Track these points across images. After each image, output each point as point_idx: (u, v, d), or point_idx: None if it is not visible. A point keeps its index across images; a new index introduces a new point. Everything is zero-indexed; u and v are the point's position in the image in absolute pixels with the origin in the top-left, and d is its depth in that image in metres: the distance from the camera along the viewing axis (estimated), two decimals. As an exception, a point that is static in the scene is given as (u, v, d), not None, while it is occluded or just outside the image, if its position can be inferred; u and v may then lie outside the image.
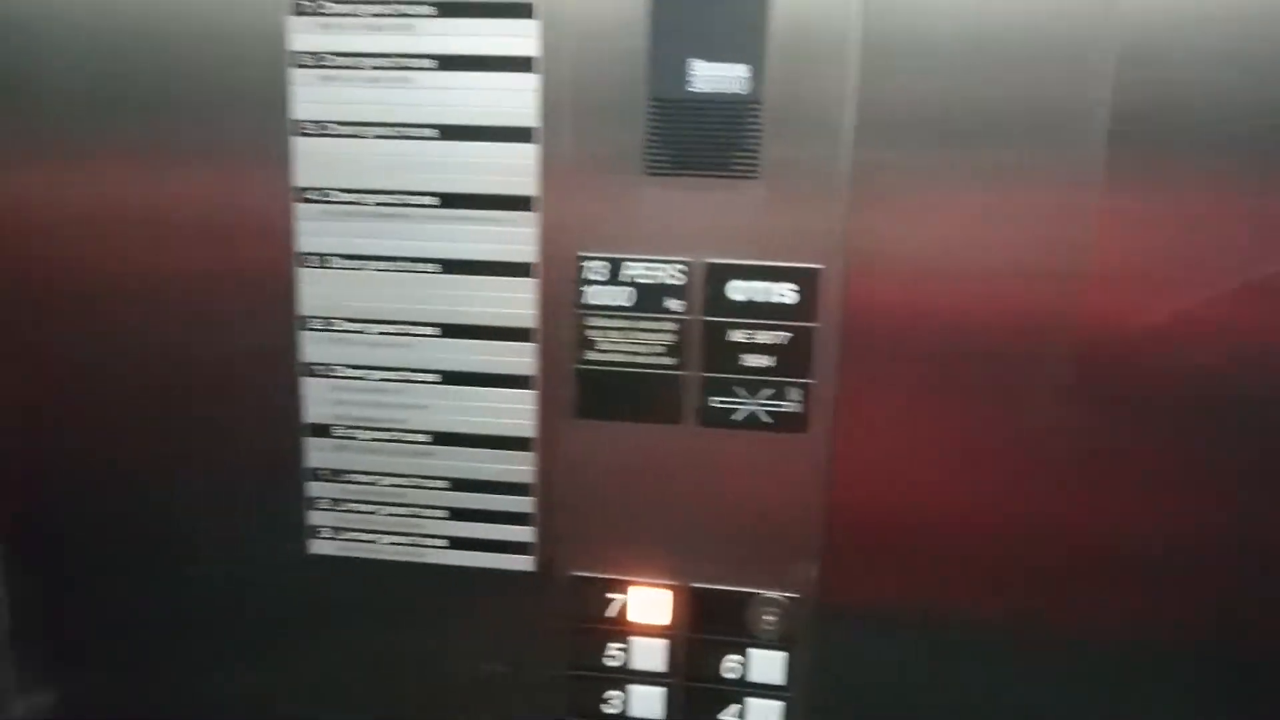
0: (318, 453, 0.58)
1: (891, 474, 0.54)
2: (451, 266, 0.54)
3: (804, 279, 0.51)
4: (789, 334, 0.51)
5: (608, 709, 0.58)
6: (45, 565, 0.63)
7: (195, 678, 0.63)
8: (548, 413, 0.55)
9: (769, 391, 0.52)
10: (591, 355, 0.53)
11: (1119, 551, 0.53)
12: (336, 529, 0.59)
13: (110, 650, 0.64)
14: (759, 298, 0.51)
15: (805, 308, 0.51)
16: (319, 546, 0.59)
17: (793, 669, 0.56)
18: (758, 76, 0.48)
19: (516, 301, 0.54)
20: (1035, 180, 0.49)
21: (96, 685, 0.65)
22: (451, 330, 0.54)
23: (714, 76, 0.49)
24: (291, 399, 0.57)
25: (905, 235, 0.50)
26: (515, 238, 0.53)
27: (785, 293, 0.51)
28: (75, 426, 0.60)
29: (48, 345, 0.59)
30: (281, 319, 0.56)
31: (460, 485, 0.57)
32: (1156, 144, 0.48)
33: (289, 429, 0.58)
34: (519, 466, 0.56)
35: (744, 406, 0.53)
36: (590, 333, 0.53)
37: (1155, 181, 0.48)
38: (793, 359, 0.52)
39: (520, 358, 0.54)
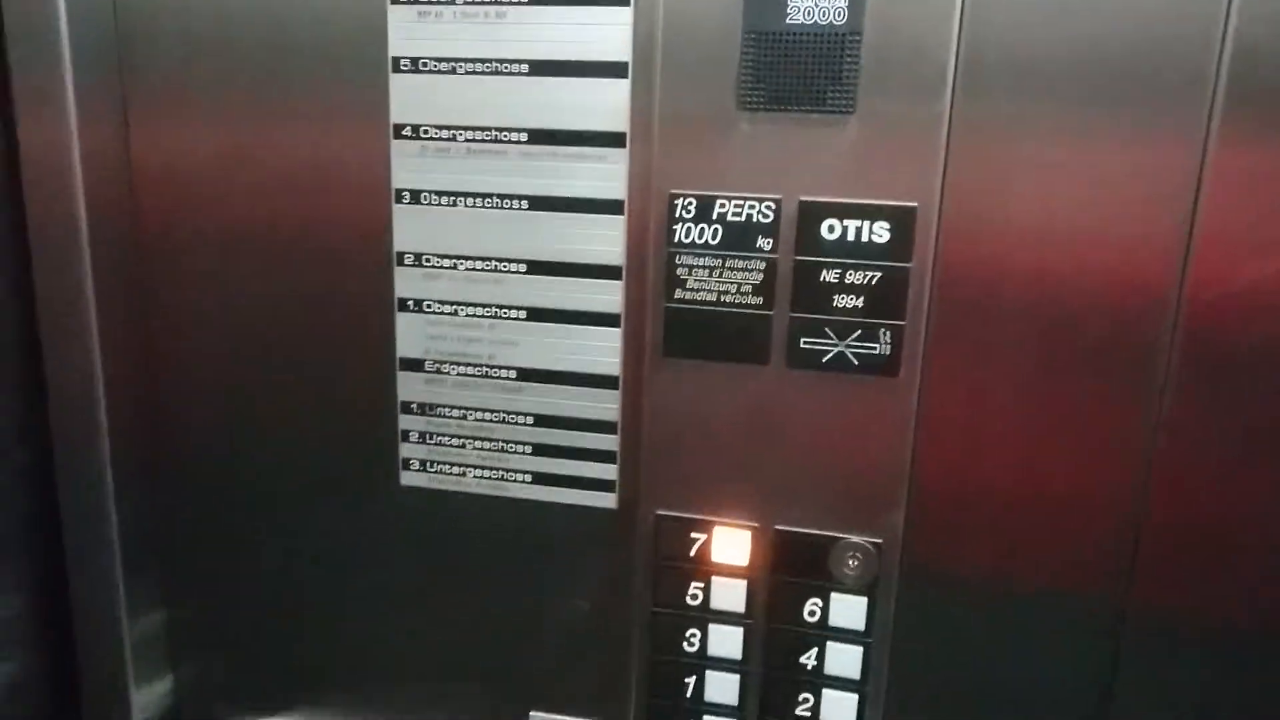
0: (408, 386, 0.59)
1: (980, 424, 0.53)
2: (540, 203, 0.54)
3: (897, 218, 0.50)
4: (880, 275, 0.50)
5: (688, 647, 0.58)
6: (155, 497, 0.66)
7: (294, 605, 0.66)
8: (635, 351, 0.55)
9: (858, 333, 0.51)
10: (680, 294, 0.53)
11: (1209, 525, 0.51)
12: (426, 462, 0.60)
13: (217, 579, 0.67)
14: (851, 237, 0.50)
15: (898, 248, 0.50)
16: (409, 479, 0.61)
17: (874, 615, 0.55)
18: (857, 7, 0.47)
19: (606, 239, 0.54)
20: (1145, 133, 0.47)
21: (202, 613, 0.68)
22: (539, 267, 0.55)
23: (812, 8, 0.48)
24: (386, 334, 0.58)
25: (1005, 179, 0.49)
26: (606, 174, 0.53)
27: (878, 232, 0.50)
28: (186, 363, 0.63)
29: (162, 287, 0.61)
30: (376, 255, 0.57)
31: (546, 421, 0.57)
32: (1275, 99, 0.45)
33: (383, 363, 0.59)
34: (604, 404, 0.56)
35: (832, 348, 0.52)
36: (679, 271, 0.53)
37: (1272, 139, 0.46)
38: (883, 301, 0.51)
39: (608, 295, 0.54)
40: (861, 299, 0.51)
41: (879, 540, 0.54)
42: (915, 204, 0.49)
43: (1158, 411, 0.50)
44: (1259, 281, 0.48)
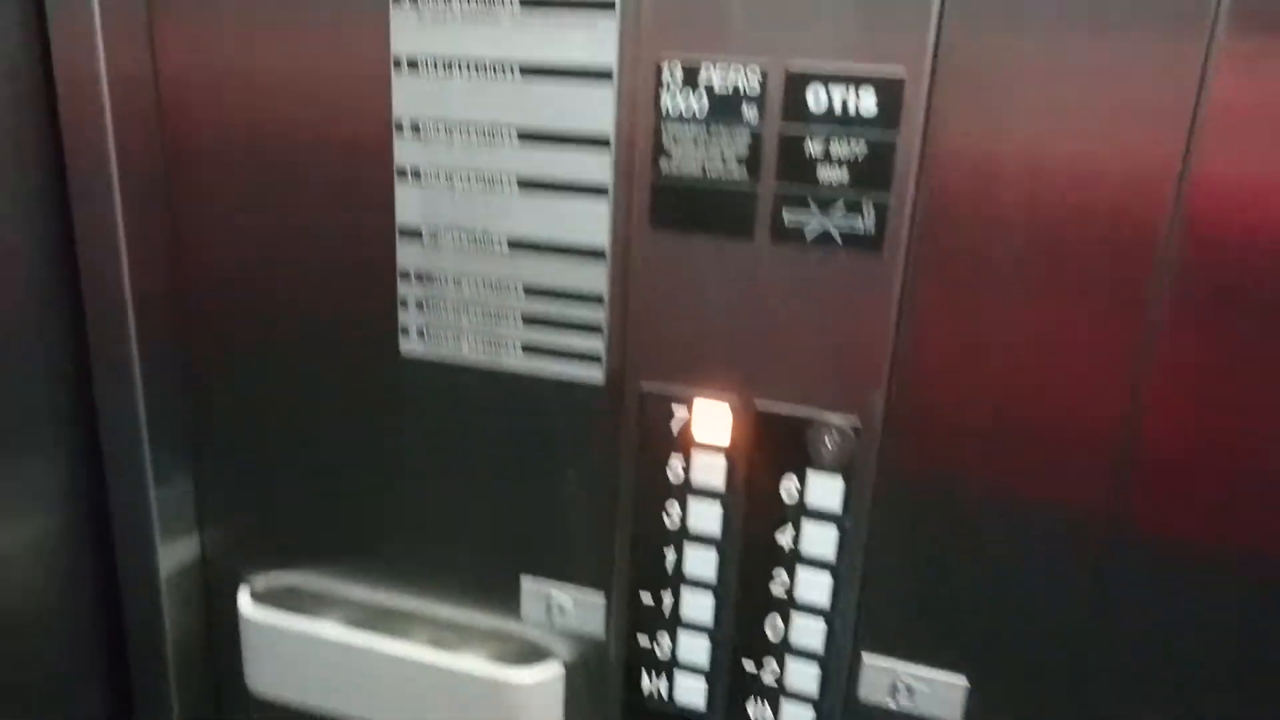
0: (407, 255, 0.60)
1: (967, 312, 0.52)
2: (531, 70, 0.54)
3: (884, 88, 0.48)
4: (865, 147, 0.49)
5: (668, 521, 0.59)
6: (179, 371, 0.69)
7: (307, 469, 0.69)
8: (623, 223, 0.55)
9: (842, 208, 0.51)
10: (667, 165, 0.53)
11: (1200, 442, 0.50)
12: (424, 330, 0.61)
13: (237, 446, 0.71)
14: (837, 106, 0.49)
15: (884, 119, 0.49)
16: (408, 347, 0.62)
17: (850, 497, 0.55)
18: None
19: (595, 108, 0.54)
20: (1152, 28, 0.45)
21: (225, 477, 0.72)
22: (531, 136, 0.55)
23: None
24: (386, 202, 0.60)
25: (1000, 56, 0.47)
26: (595, 40, 0.52)
27: (864, 101, 0.49)
28: (206, 239, 0.65)
29: (182, 169, 0.64)
30: (376, 123, 0.58)
31: (535, 292, 0.58)
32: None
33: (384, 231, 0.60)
34: (592, 276, 0.57)
35: (816, 222, 0.51)
36: (666, 141, 0.52)
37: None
38: (868, 174, 0.50)
39: (598, 166, 0.55)
40: (846, 172, 0.50)
41: (857, 422, 0.54)
42: (903, 73, 0.48)
43: (1155, 313, 0.49)
44: (1258, 198, 0.46)
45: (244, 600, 0.72)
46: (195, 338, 0.69)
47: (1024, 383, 0.52)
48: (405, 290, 0.61)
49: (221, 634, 0.75)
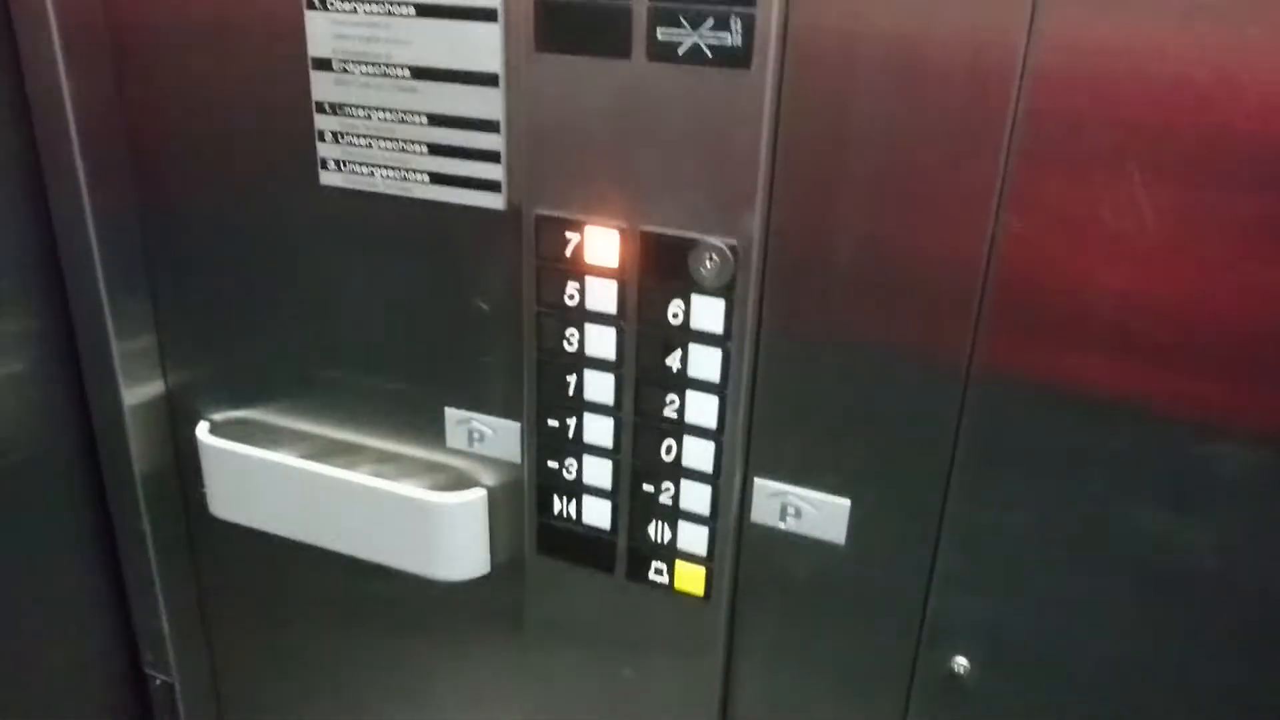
0: (321, 86, 0.62)
1: (836, 130, 0.52)
2: (420, -109, 0.55)
3: (745, -107, 0.48)
4: (729, -44, 0.49)
5: (568, 346, 0.61)
6: (130, 212, 0.73)
7: (249, 307, 0.73)
8: (514, 47, 0.57)
9: (710, 22, 0.51)
10: (549, -15, 0.54)
11: (1055, 285, 0.50)
12: (341, 161, 0.64)
13: (191, 290, 0.75)
14: (700, -84, 0.49)
15: (746, -74, 0.49)
16: (327, 178, 0.65)
17: (732, 318, 0.57)
18: None
19: (482, -70, 0.54)
20: None
21: (180, 319, 0.76)
22: (424, -40, 0.56)
23: None
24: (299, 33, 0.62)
25: None
26: None
27: (725, -91, 0.49)
28: (147, 81, 0.68)
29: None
30: (289, -46, 0.60)
31: (438, 121, 0.60)
32: None
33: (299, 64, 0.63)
34: (488, 102, 0.58)
35: (688, 39, 0.52)
36: (546, -40, 0.53)
37: None
38: (735, -14, 0.50)
39: (486, -11, 0.56)
40: (713, -16, 0.50)
41: (735, 242, 0.55)
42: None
43: (1006, 161, 0.49)
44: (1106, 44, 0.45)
45: (202, 431, 0.77)
46: (144, 188, 0.72)
47: (890, 206, 0.52)
48: (321, 122, 0.63)
49: (189, 467, 0.80)
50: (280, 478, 0.74)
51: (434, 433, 0.70)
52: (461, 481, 0.71)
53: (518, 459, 0.68)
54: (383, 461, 0.74)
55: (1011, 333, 0.52)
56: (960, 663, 0.60)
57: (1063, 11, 0.46)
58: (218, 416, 0.78)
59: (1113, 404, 0.52)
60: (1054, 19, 0.46)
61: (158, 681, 0.88)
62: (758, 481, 0.61)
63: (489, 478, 0.71)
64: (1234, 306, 0.48)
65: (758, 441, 0.60)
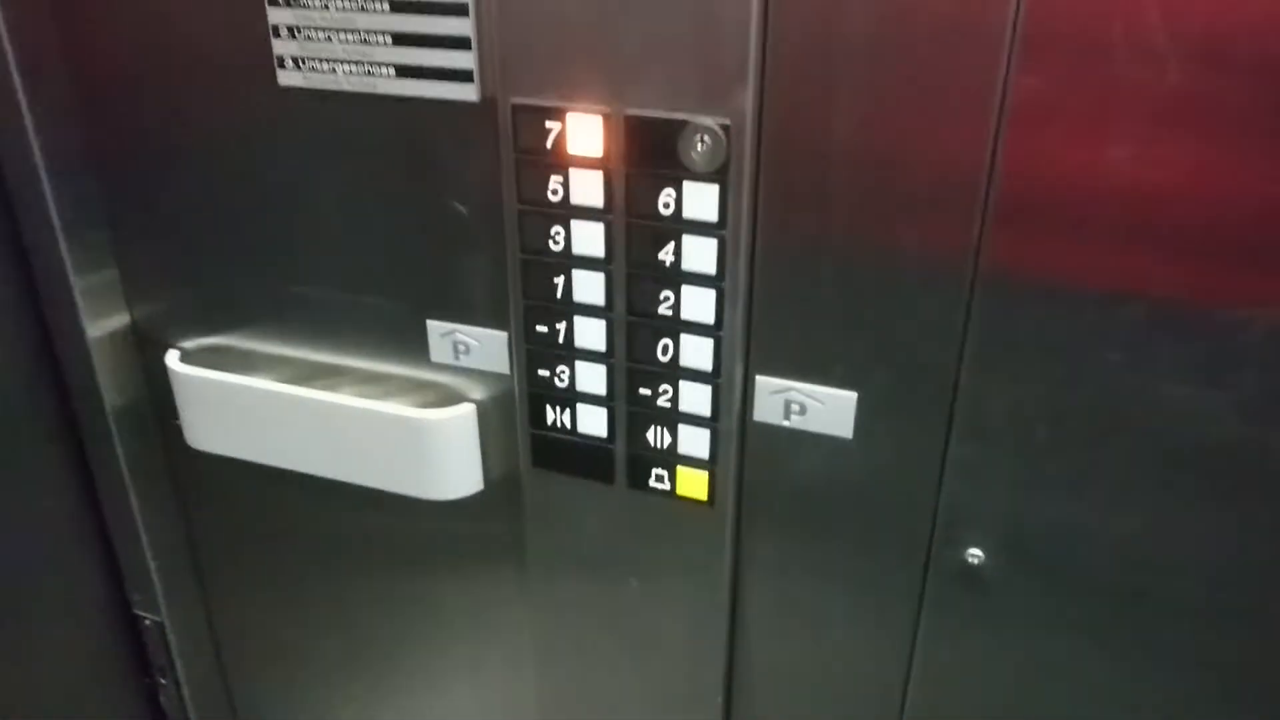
0: (272, -25, 0.58)
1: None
2: None
3: None
4: None
5: (553, 245, 0.58)
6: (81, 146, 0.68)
7: (212, 229, 0.69)
8: (479, -80, 0.52)
9: (693, -124, 0.47)
10: None
11: (1058, 188, 0.47)
12: (299, 59, 0.59)
13: (151, 219, 0.70)
14: None
15: None
16: (286, 78, 0.60)
17: (726, 204, 0.53)
18: None
19: None
20: None
21: (142, 251, 0.72)
22: None
23: None
24: (246, -80, 0.57)
25: None
26: None
27: None
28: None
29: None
30: None
31: (401, 7, 0.56)
32: None
33: (248, -46, 0.58)
34: (454, -17, 0.54)
35: (668, -103, 0.47)
36: None
37: None
38: None
39: None
40: None
41: (727, 121, 0.51)
42: None
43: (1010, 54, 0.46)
44: None
45: (173, 360, 0.74)
46: (89, 111, 0.68)
47: (891, 80, 0.49)
48: (275, 16, 0.59)
49: (161, 400, 0.77)
50: (259, 403, 0.71)
51: (417, 348, 0.67)
52: (448, 397, 0.68)
53: (506, 370, 0.65)
54: (365, 382, 0.71)
55: (1019, 217, 0.49)
56: (975, 554, 0.58)
57: None
58: (188, 344, 0.75)
59: (1124, 289, 0.49)
60: None
61: (147, 622, 0.86)
62: (759, 379, 0.59)
63: (477, 391, 0.68)
64: (1240, 187, 0.45)
65: (757, 337, 0.58)
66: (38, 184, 0.68)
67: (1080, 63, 0.45)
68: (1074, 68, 0.46)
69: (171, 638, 0.86)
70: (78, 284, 0.71)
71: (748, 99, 0.51)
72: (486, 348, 0.65)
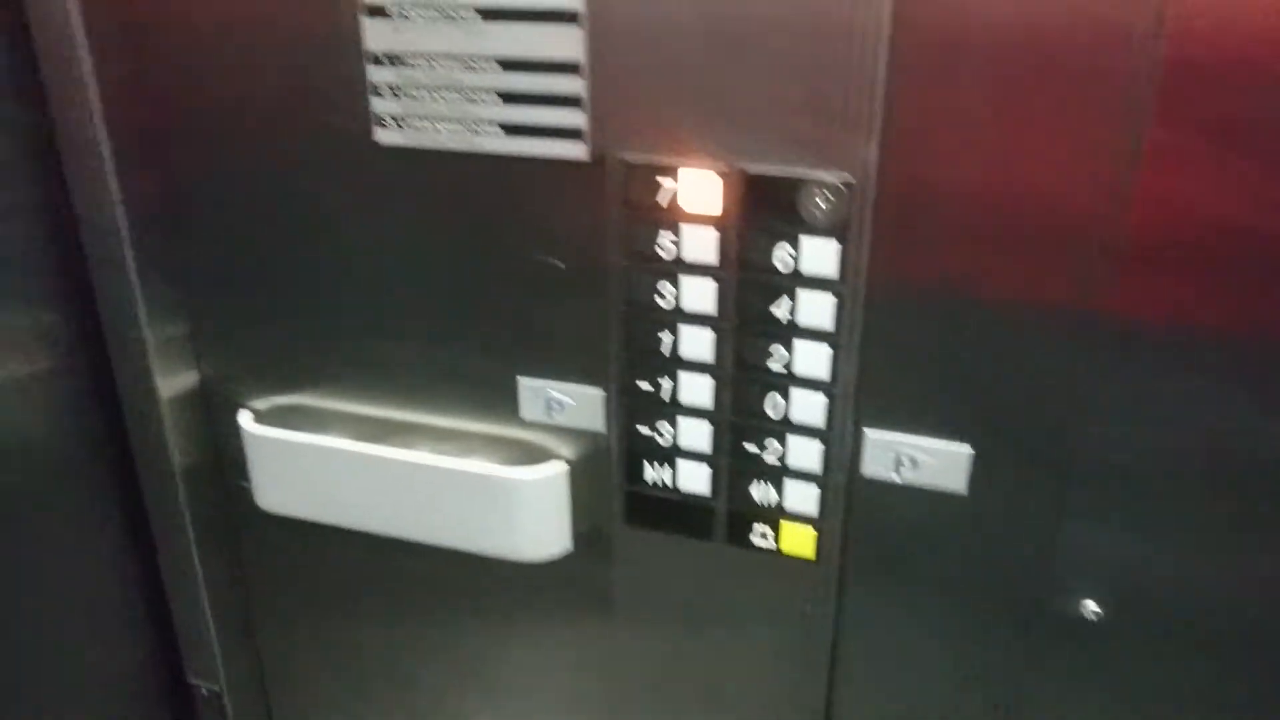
0: (375, 35, 0.57)
1: (962, 26, 0.48)
2: None
3: None
4: None
5: (661, 301, 0.57)
6: (159, 192, 0.67)
7: (294, 285, 0.68)
8: (596, -20, 0.52)
9: (826, -64, 0.47)
10: (637, -93, 0.49)
11: (1188, 234, 0.48)
12: (399, 117, 0.59)
13: (228, 272, 0.69)
14: None
15: None
16: (384, 136, 0.60)
17: (846, 260, 0.53)
18: None
19: None
20: None
21: (218, 305, 0.71)
22: (494, -113, 0.52)
23: None
24: (349, -19, 0.57)
25: None
26: None
27: None
28: (170, 39, 0.62)
29: None
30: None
31: (511, 65, 0.55)
32: None
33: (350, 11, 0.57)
34: (568, 41, 0.54)
35: (799, -43, 0.48)
36: (635, -121, 0.49)
37: None
38: (853, -105, 0.46)
39: (565, -84, 0.51)
40: (828, -105, 0.46)
41: (850, 178, 0.51)
42: None
43: (1144, 104, 0.46)
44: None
45: (245, 419, 0.72)
46: (172, 163, 0.67)
47: (1016, 134, 0.49)
48: (376, 75, 0.58)
49: (232, 457, 0.75)
50: (337, 464, 0.70)
51: (503, 404, 0.66)
52: (532, 454, 0.67)
53: (600, 427, 0.64)
54: (441, 439, 0.69)
55: (1141, 269, 0.49)
56: (1089, 607, 0.58)
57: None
58: (258, 403, 0.73)
59: (1251, 334, 0.49)
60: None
61: (204, 691, 0.83)
62: (868, 433, 0.58)
63: (564, 448, 0.66)
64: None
65: (867, 390, 0.57)
66: (116, 234, 0.67)
67: (1218, 103, 0.45)
68: (1211, 109, 0.46)
69: (229, 707, 0.83)
70: (151, 339, 0.70)
71: (871, 154, 0.51)
72: (580, 405, 0.64)
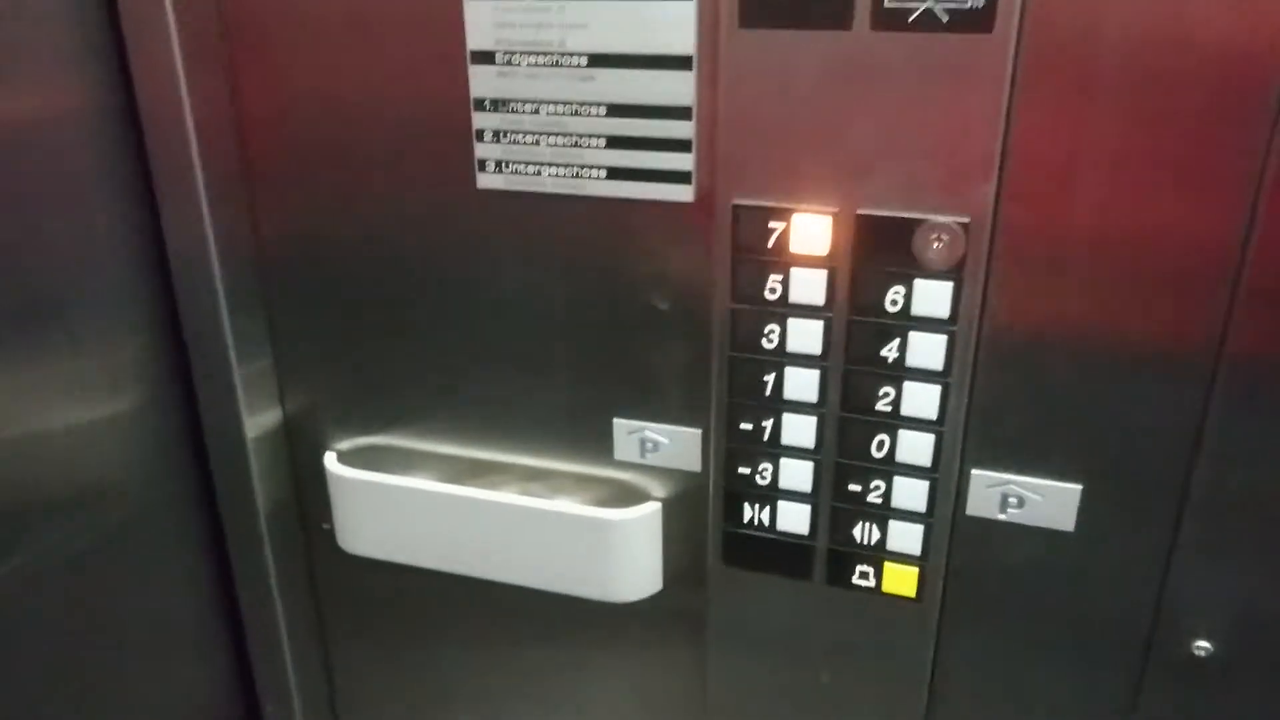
0: (481, 81, 0.58)
1: (1085, 91, 0.49)
2: None
3: None
4: (976, -89, 0.46)
5: (766, 344, 0.57)
6: (251, 227, 0.67)
7: (387, 326, 0.68)
8: (710, 26, 0.52)
9: (949, -17, 0.47)
10: (756, -44, 0.50)
11: None
12: (502, 162, 0.59)
13: (316, 309, 0.69)
14: None
15: (996, -122, 0.45)
16: (486, 181, 0.60)
17: (959, 301, 0.53)
18: None
19: (676, -100, 0.50)
20: None
21: (307, 343, 0.71)
22: (608, -64, 0.52)
23: None
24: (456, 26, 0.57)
25: None
26: None
27: None
28: (269, 81, 0.63)
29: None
30: (442, -58, 0.56)
31: (619, 111, 0.56)
32: None
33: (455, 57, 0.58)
34: (679, 87, 0.54)
35: (919, 4, 0.48)
36: (754, -71, 0.49)
37: None
38: (979, -57, 0.46)
39: (680, -36, 0.52)
40: (953, -56, 0.47)
41: (966, 219, 0.52)
42: None
43: (1272, 133, 0.46)
44: None
45: (330, 460, 0.72)
46: (265, 205, 0.67)
47: (1134, 179, 0.49)
48: (480, 120, 0.59)
49: (311, 498, 0.75)
50: (425, 506, 0.69)
51: (597, 444, 0.66)
52: (624, 493, 0.67)
53: (696, 467, 0.64)
54: (529, 479, 0.69)
55: (1266, 314, 0.49)
56: (1201, 646, 0.57)
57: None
58: (344, 445, 0.73)
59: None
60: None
61: (279, 728, 0.83)
62: (974, 472, 0.58)
63: (657, 488, 0.66)
64: None
65: (975, 430, 0.57)
66: (207, 269, 0.67)
67: None
68: None
69: (304, 745, 0.83)
70: (239, 377, 0.70)
71: (989, 196, 0.51)
72: (676, 445, 0.64)
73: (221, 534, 0.76)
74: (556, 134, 0.57)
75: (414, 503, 0.70)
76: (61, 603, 0.68)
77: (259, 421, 0.72)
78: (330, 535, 0.74)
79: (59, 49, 0.60)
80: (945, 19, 0.48)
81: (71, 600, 0.68)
